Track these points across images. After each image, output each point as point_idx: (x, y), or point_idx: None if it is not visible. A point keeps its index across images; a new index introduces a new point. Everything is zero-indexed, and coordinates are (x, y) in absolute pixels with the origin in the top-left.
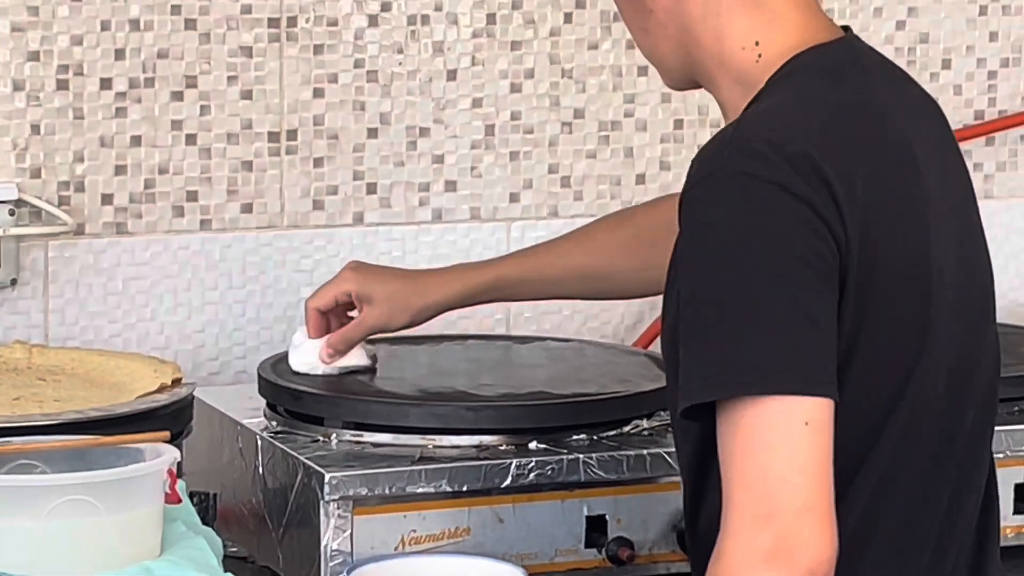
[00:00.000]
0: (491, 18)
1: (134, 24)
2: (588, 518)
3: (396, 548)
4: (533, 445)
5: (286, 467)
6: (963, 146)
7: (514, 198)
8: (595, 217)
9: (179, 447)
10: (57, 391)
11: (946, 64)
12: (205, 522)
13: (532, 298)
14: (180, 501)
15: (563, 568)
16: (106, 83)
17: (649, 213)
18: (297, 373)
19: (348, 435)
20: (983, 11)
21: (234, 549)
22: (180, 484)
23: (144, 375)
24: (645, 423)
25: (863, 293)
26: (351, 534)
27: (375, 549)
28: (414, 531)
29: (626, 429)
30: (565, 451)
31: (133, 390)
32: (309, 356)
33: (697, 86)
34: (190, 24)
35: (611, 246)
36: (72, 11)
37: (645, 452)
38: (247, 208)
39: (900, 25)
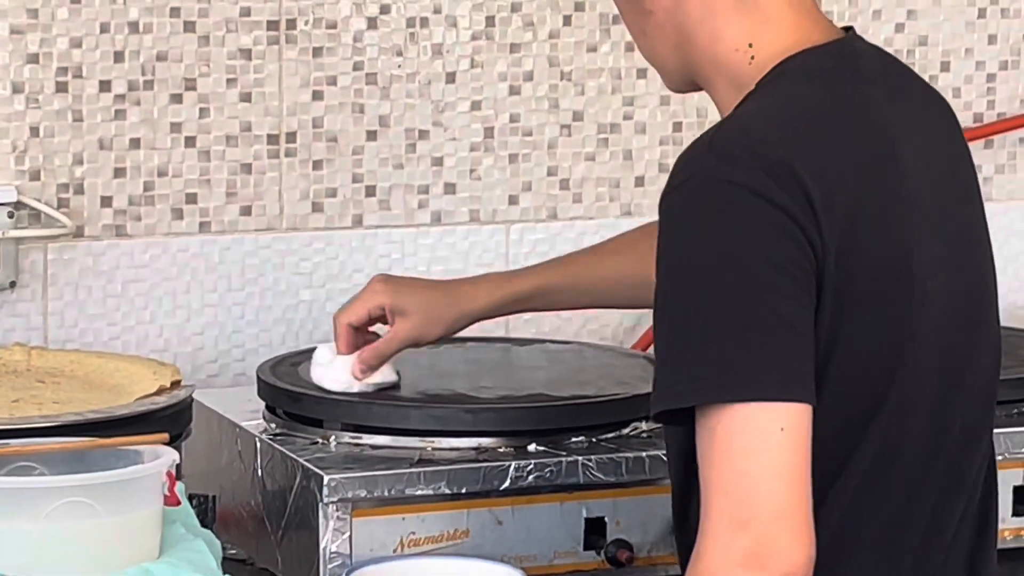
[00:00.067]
0: (490, 20)
1: (133, 26)
2: (587, 520)
3: (395, 550)
4: (532, 447)
5: (285, 469)
6: None
7: (513, 200)
8: (594, 220)
9: (178, 449)
10: (56, 393)
11: (945, 67)
12: (204, 524)
13: (569, 307)
14: (179, 503)
15: (562, 570)
16: (105, 85)
17: None
18: (326, 390)
19: (347, 437)
20: (982, 14)
21: (233, 551)
22: (179, 486)
23: (143, 377)
24: (644, 425)
25: (841, 299)
26: (350, 536)
27: (374, 551)
28: (413, 533)
29: (625, 431)
30: (564, 453)
31: (132, 392)
32: (341, 374)
33: (697, 88)
34: (189, 26)
35: (652, 254)
36: (71, 13)
37: (644, 454)
38: (246, 210)
39: (899, 28)
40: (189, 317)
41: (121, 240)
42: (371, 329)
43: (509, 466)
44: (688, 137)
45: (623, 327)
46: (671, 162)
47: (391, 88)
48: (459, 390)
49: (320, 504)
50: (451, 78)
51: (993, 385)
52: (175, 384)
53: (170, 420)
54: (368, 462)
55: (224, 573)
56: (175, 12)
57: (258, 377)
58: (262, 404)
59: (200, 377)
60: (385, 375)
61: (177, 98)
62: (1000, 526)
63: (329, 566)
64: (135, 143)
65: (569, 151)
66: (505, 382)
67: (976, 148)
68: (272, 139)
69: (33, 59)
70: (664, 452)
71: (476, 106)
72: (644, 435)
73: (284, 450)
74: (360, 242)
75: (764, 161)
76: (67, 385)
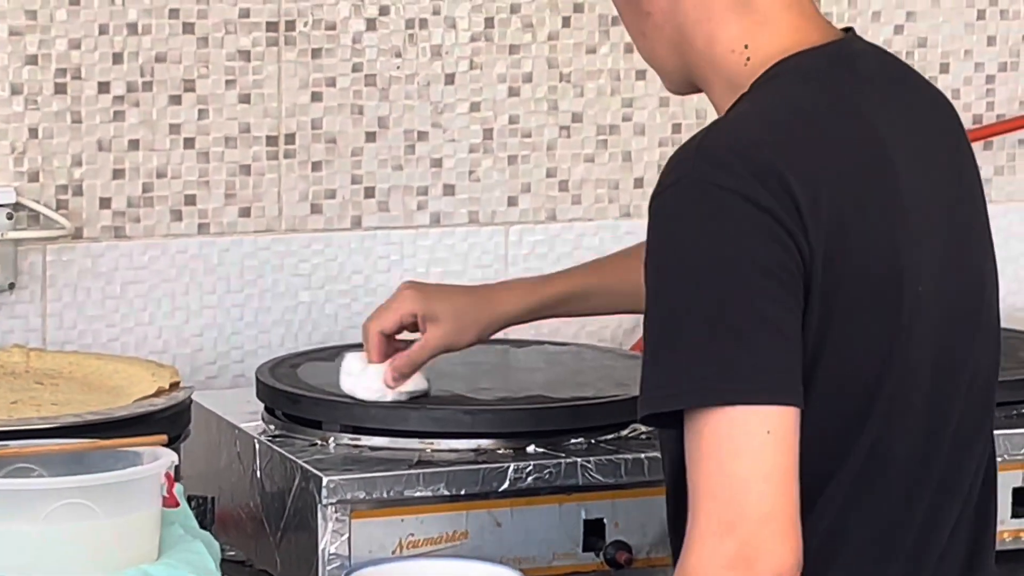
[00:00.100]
0: (489, 22)
1: (132, 28)
2: (586, 522)
3: (394, 552)
4: (531, 449)
5: (284, 471)
6: None
7: (512, 202)
8: (593, 221)
9: (177, 451)
10: (55, 395)
11: (944, 68)
12: (203, 526)
13: (602, 312)
14: (178, 505)
15: (561, 572)
16: (104, 87)
17: None
18: (358, 398)
19: (346, 439)
20: (981, 15)
21: (232, 553)
22: (178, 488)
23: (142, 379)
24: (643, 427)
25: (829, 302)
26: (349, 538)
27: (373, 553)
28: (412, 535)
29: (624, 433)
30: (563, 455)
31: (131, 394)
32: (373, 382)
33: (697, 90)
34: (188, 28)
35: None
36: (70, 15)
37: (643, 456)
38: (245, 212)
39: (898, 29)
40: (188, 318)
41: (120, 241)
42: (398, 337)
43: (508, 468)
44: (687, 138)
45: (622, 329)
46: None
47: (390, 89)
48: (458, 392)
49: (319, 505)
50: (450, 79)
51: (992, 387)
52: (174, 386)
53: (169, 422)
54: (367, 464)
55: (223, 575)
56: (174, 13)
57: (257, 379)
58: (261, 406)
59: (199, 378)
60: (417, 383)
61: (176, 99)
62: (999, 528)
63: (328, 568)
64: (134, 144)
65: (568, 152)
66: (504, 384)
67: (975, 150)
68: (271, 140)
69: (32, 60)
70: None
71: (475, 107)
72: (643, 437)
73: (283, 452)
74: (359, 243)
75: (751, 164)
76: (66, 387)
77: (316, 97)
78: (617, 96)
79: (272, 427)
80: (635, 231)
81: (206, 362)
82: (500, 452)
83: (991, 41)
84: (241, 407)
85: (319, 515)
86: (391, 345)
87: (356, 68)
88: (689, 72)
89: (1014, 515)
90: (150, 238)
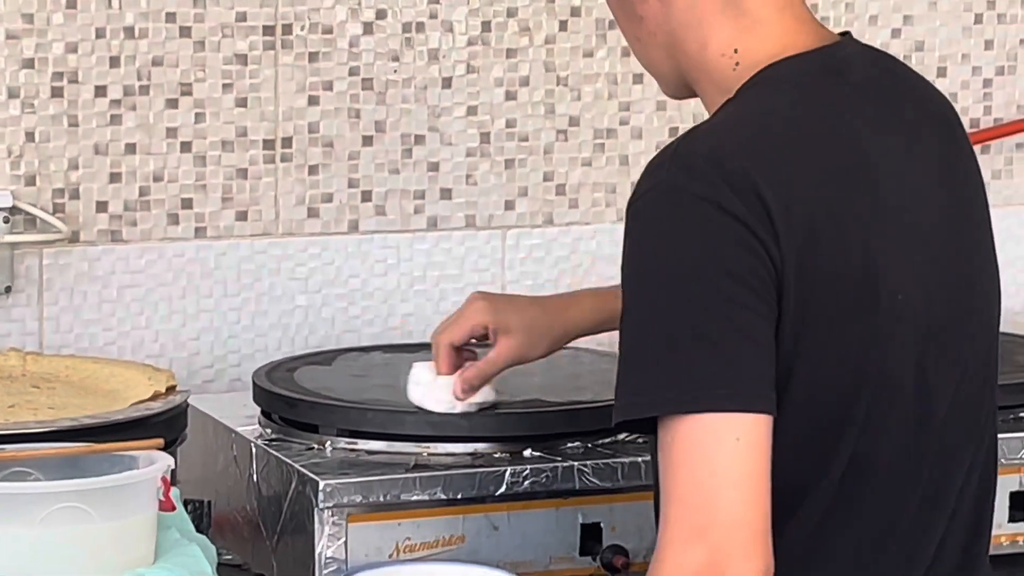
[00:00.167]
0: (486, 26)
1: (129, 32)
2: (583, 526)
3: (390, 556)
4: (528, 453)
5: (280, 475)
6: None
7: (509, 206)
8: (590, 225)
9: (173, 455)
10: (51, 399)
11: (941, 72)
12: (200, 530)
13: None
14: (174, 508)
15: None
16: (101, 90)
17: None
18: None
19: (342, 443)
20: (978, 19)
21: (228, 557)
22: (174, 491)
23: (138, 383)
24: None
25: (802, 310)
26: (345, 542)
27: (369, 557)
28: (408, 539)
29: (621, 437)
30: (560, 459)
31: (127, 398)
32: (443, 394)
33: (694, 94)
34: (185, 32)
35: None
36: (67, 18)
37: (640, 460)
38: (242, 216)
39: (895, 33)
40: (185, 322)
41: (117, 245)
42: (467, 347)
43: (505, 471)
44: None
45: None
46: None
47: (387, 93)
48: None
49: (316, 509)
50: (447, 83)
51: (984, 394)
52: (170, 389)
53: (165, 425)
54: (364, 467)
55: None
56: (171, 17)
57: (254, 382)
58: (258, 409)
59: (196, 382)
60: (486, 394)
61: (173, 103)
62: (996, 531)
63: (325, 572)
64: (131, 148)
65: (565, 156)
66: (501, 387)
67: None
68: (268, 144)
69: (28, 64)
70: None
71: (472, 111)
72: (640, 441)
73: (280, 455)
74: (356, 247)
75: (723, 172)
76: (62, 390)
77: (313, 101)
78: (614, 100)
79: (269, 431)
80: None
81: (203, 366)
82: (497, 456)
83: (988, 45)
84: (238, 411)
85: (316, 519)
86: (460, 356)
87: (353, 72)
88: (683, 76)
89: (1011, 519)
90: (147, 242)
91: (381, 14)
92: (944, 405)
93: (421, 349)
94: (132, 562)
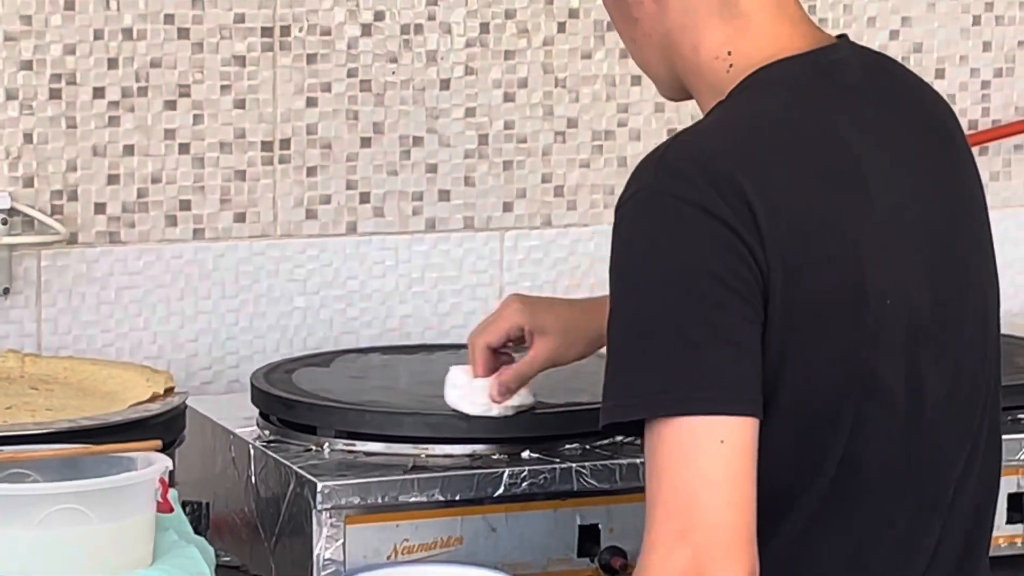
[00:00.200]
0: (484, 27)
1: (127, 33)
2: (581, 527)
3: (389, 557)
4: (526, 454)
5: (279, 476)
6: None
7: (507, 207)
8: (588, 227)
9: (172, 456)
10: (49, 400)
11: (939, 74)
12: (198, 531)
13: None
14: (172, 510)
15: None
16: (99, 92)
17: None
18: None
19: (341, 444)
20: (976, 21)
21: (227, 558)
22: (172, 493)
23: (136, 384)
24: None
25: (789, 314)
26: (344, 543)
27: (367, 558)
28: (407, 540)
29: (619, 438)
30: (558, 460)
31: (125, 399)
32: (479, 397)
33: (691, 96)
34: (183, 33)
35: None
36: (65, 20)
37: (638, 461)
38: (240, 217)
39: (894, 35)
40: (183, 324)
41: (115, 247)
42: (503, 349)
43: (503, 473)
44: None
45: None
46: None
47: (385, 95)
48: None
49: (314, 511)
50: (445, 85)
51: (979, 397)
52: (168, 391)
53: (163, 427)
54: (362, 469)
55: None
56: (169, 19)
57: (252, 384)
58: (256, 411)
59: (194, 384)
60: (523, 397)
61: (171, 105)
62: (994, 533)
63: (323, 573)
64: (129, 150)
65: (563, 158)
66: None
67: None
68: (266, 146)
69: (27, 66)
70: None
71: (470, 113)
72: (638, 442)
73: (278, 457)
74: (354, 249)
75: (709, 175)
76: (60, 392)
77: (311, 102)
78: (612, 102)
79: (267, 432)
80: None
81: (201, 367)
82: (495, 457)
83: (986, 47)
84: (236, 412)
85: (314, 521)
86: (497, 358)
87: (351, 73)
88: (678, 78)
89: (1009, 521)
90: (145, 243)
91: (379, 16)
92: (937, 408)
93: (419, 351)
94: (130, 564)
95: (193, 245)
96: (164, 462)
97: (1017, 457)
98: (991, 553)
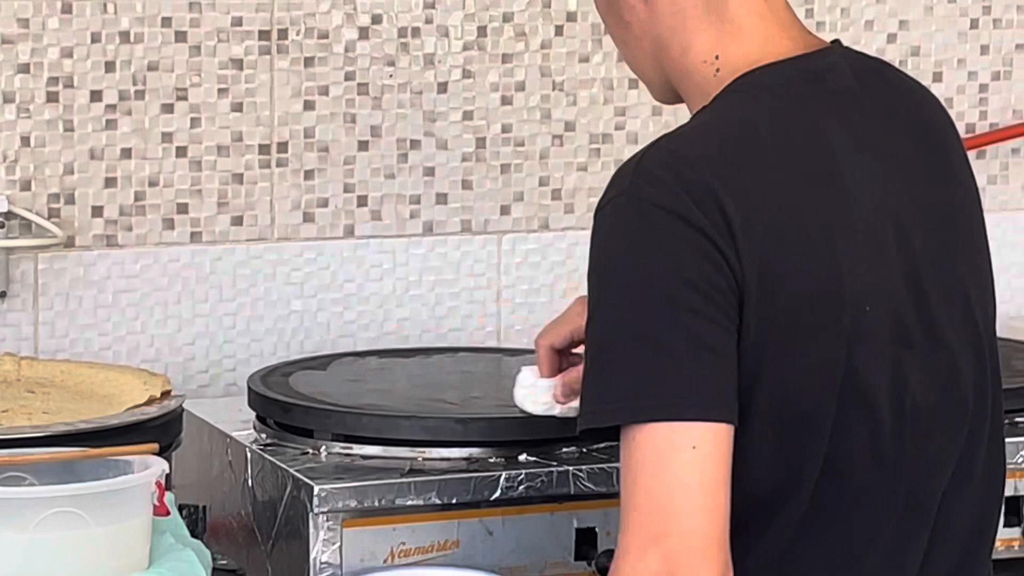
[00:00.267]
0: (482, 31)
1: (124, 36)
2: (578, 530)
3: (385, 560)
4: (523, 457)
5: (276, 479)
6: None
7: (505, 211)
8: (586, 230)
9: (168, 459)
10: (46, 403)
11: (937, 77)
12: (195, 535)
13: None
14: (169, 513)
15: None
16: (96, 95)
17: None
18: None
19: (338, 447)
20: (974, 24)
21: (224, 562)
22: (169, 496)
23: (133, 387)
24: None
25: (765, 320)
26: (340, 547)
27: (364, 562)
28: (403, 543)
29: (615, 442)
30: (555, 463)
31: (122, 402)
32: (543, 396)
33: (683, 100)
34: (180, 36)
35: None
36: (62, 23)
37: None
38: (237, 220)
39: (891, 38)
40: (180, 327)
41: (112, 250)
42: (574, 351)
43: (500, 476)
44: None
45: None
46: None
47: (383, 98)
48: (450, 400)
49: (310, 514)
50: (443, 88)
51: (970, 403)
52: (165, 394)
53: (160, 430)
54: (359, 472)
55: None
56: (166, 22)
57: (249, 387)
58: (253, 414)
59: (191, 387)
60: None
61: (168, 108)
62: None
63: None
64: (126, 153)
65: (561, 161)
66: (496, 392)
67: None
68: (263, 149)
69: (24, 69)
70: None
71: (468, 116)
72: None
73: (275, 460)
74: (351, 252)
75: (684, 182)
76: (57, 395)
77: (309, 106)
78: (610, 105)
79: (264, 436)
80: None
81: (198, 371)
82: (492, 461)
83: (984, 50)
84: (233, 416)
85: (311, 524)
86: (564, 359)
87: (349, 77)
88: (669, 82)
89: (1006, 524)
90: (142, 247)
91: (377, 19)
92: (924, 414)
93: (416, 354)
94: (127, 567)
95: (190, 248)
96: (161, 465)
97: (1014, 461)
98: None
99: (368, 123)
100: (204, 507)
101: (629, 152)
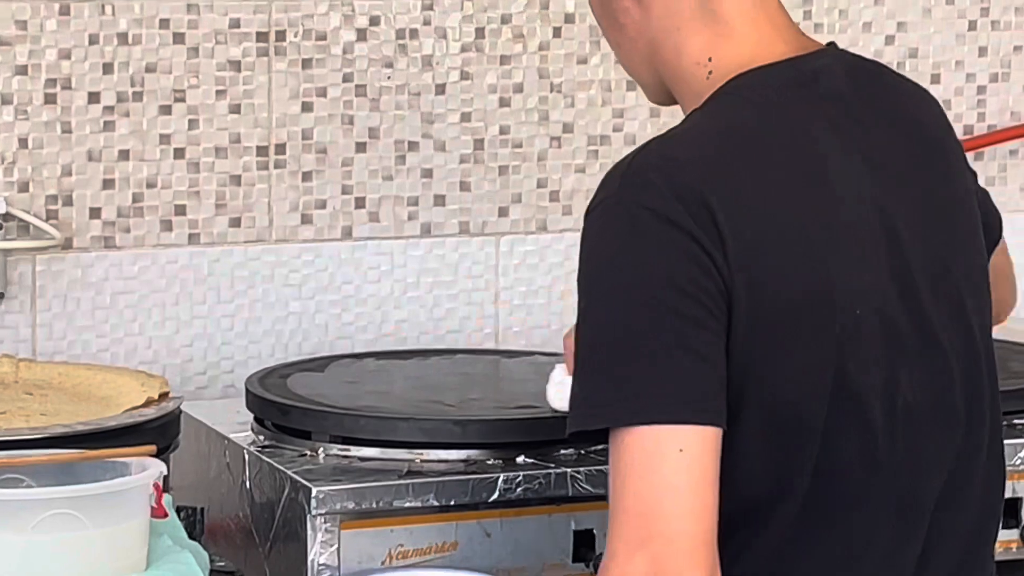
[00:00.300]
0: (480, 32)
1: (122, 38)
2: (576, 532)
3: (383, 562)
4: (521, 459)
5: (273, 481)
6: None
7: (503, 212)
8: None
9: (166, 461)
10: (44, 405)
11: (935, 79)
12: (192, 536)
13: None
14: (166, 515)
15: None
16: (94, 97)
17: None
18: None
19: (335, 449)
20: (972, 26)
21: (221, 563)
22: (166, 498)
23: (131, 389)
24: None
25: (753, 324)
26: (338, 548)
27: (362, 564)
28: (401, 545)
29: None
30: (553, 465)
31: (120, 404)
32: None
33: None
34: (178, 38)
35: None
36: (60, 25)
37: None
38: (235, 222)
39: (889, 40)
40: (178, 329)
41: (110, 252)
42: None
43: (498, 478)
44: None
45: None
46: None
47: (381, 100)
48: (448, 402)
49: (308, 516)
50: (441, 90)
51: (959, 408)
52: (163, 396)
53: (158, 432)
54: (356, 474)
55: None
56: (164, 24)
57: (247, 389)
58: (251, 416)
59: (189, 389)
60: None
61: (166, 109)
62: None
63: None
64: (124, 155)
65: (559, 163)
66: (494, 394)
67: None
68: (261, 151)
69: (22, 71)
70: None
71: (466, 118)
72: None
73: (272, 462)
74: (349, 254)
75: (673, 185)
76: (55, 397)
77: (306, 107)
78: (608, 107)
79: (262, 437)
80: None
81: (196, 372)
82: (490, 463)
83: (982, 52)
84: (231, 417)
85: (308, 526)
86: None
87: (347, 78)
88: (664, 84)
89: (1004, 526)
90: (140, 248)
91: (375, 21)
92: (917, 417)
93: (414, 356)
94: (124, 569)
95: (188, 250)
96: (158, 467)
97: (1012, 463)
98: None
99: (366, 125)
100: (202, 509)
101: (627, 153)
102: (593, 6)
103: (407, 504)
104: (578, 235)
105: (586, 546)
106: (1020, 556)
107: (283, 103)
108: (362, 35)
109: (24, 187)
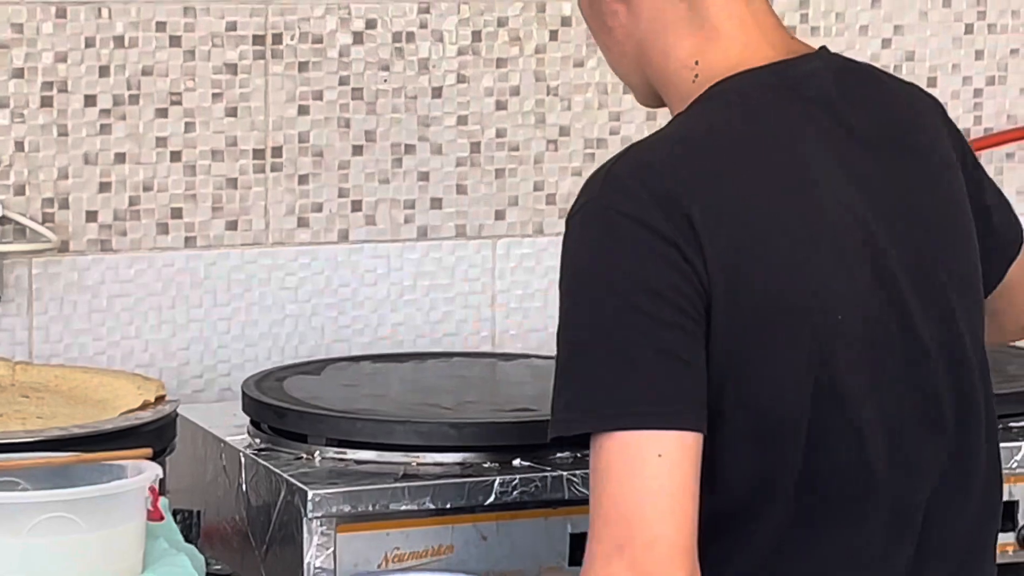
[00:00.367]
0: (476, 35)
1: (118, 41)
2: (572, 535)
3: (379, 565)
4: (517, 462)
5: (269, 484)
6: None
7: (499, 215)
8: None
9: (162, 464)
10: (40, 408)
11: (932, 82)
12: (189, 539)
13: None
14: (162, 518)
15: None
16: (90, 100)
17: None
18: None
19: (332, 452)
20: (969, 29)
21: (217, 567)
22: (163, 501)
23: (127, 392)
24: None
25: (733, 329)
26: (334, 551)
27: (358, 567)
28: (397, 548)
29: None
30: (549, 468)
31: (116, 407)
32: None
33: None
34: (175, 41)
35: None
36: (56, 28)
37: None
38: (232, 225)
39: (886, 43)
40: (174, 332)
41: (106, 255)
42: None
43: (494, 481)
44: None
45: None
46: None
47: (377, 103)
48: (444, 405)
49: (304, 519)
50: (437, 93)
51: (953, 417)
52: (160, 399)
53: (154, 435)
54: (353, 477)
55: None
56: (160, 27)
57: (243, 392)
58: (247, 419)
59: (185, 392)
60: None
61: (162, 112)
62: None
63: None
64: (120, 158)
65: (555, 166)
66: (490, 397)
67: None
68: (258, 154)
69: (18, 73)
70: None
71: (462, 121)
72: None
73: (268, 465)
74: (346, 257)
75: (651, 190)
76: (51, 400)
77: (303, 110)
78: (604, 110)
79: (258, 441)
80: None
81: (192, 375)
82: (486, 466)
83: (979, 55)
84: (227, 421)
85: (304, 529)
86: None
87: (343, 81)
88: (652, 86)
89: (1000, 529)
90: (136, 251)
91: (371, 24)
92: (904, 421)
93: (411, 358)
94: (120, 572)
95: (185, 253)
96: (155, 470)
97: (1008, 466)
98: None
99: (362, 128)
100: (198, 512)
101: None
102: (582, 8)
103: (403, 507)
104: None
105: (582, 550)
106: (1017, 559)
107: (279, 106)
108: (358, 38)
109: (20, 190)
